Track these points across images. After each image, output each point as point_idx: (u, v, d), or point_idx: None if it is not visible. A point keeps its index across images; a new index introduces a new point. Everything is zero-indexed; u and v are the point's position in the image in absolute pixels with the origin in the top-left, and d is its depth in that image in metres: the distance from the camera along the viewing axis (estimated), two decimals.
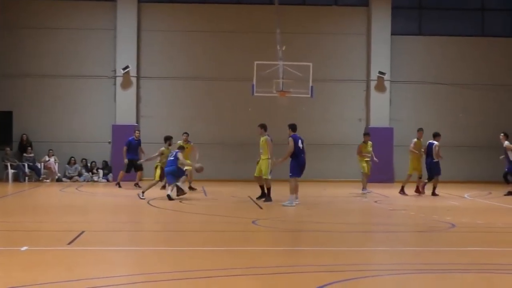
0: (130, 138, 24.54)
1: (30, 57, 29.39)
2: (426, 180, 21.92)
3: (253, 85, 24.30)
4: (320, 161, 28.42)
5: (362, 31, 30.51)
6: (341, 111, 30.02)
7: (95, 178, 28.44)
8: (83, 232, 12.02)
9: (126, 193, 21.57)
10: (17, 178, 27.56)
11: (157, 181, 20.47)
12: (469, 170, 29.90)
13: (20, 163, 27.78)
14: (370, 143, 22.80)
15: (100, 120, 29.46)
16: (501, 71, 30.88)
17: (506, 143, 21.58)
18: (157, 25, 29.97)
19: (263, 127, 19.21)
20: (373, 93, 30.16)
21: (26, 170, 27.78)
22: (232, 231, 12.97)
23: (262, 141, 18.97)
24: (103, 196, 22.35)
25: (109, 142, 29.18)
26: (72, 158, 28.64)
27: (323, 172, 29.09)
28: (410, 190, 21.97)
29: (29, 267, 8.77)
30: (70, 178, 28.27)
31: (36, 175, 28.03)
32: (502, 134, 22.10)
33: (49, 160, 28.33)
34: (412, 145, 22.41)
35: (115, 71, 29.36)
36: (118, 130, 28.76)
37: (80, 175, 28.50)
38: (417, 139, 22.38)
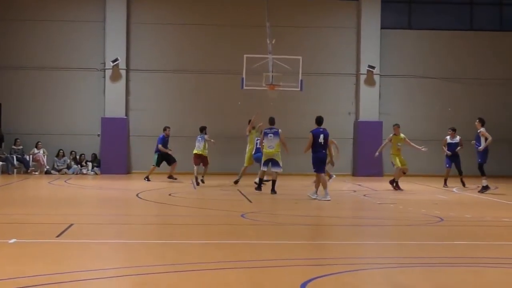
0: (161, 136, 24.94)
1: (18, 50, 29.27)
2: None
3: (242, 79, 24.28)
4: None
5: (352, 25, 30.55)
6: (330, 104, 29.98)
7: (84, 171, 28.38)
8: (72, 225, 12.01)
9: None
10: (5, 170, 27.47)
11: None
12: None
13: (9, 155, 27.69)
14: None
15: (89, 112, 29.38)
16: (489, 65, 31.01)
17: (482, 129, 20.56)
18: (147, 18, 29.89)
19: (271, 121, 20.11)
20: (363, 87, 30.23)
21: (15, 162, 27.69)
22: (221, 224, 12.98)
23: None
24: (92, 189, 22.30)
25: (98, 135, 29.11)
26: (61, 151, 28.54)
27: None
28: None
29: (17, 260, 8.76)
30: (59, 170, 28.19)
31: (24, 168, 27.96)
32: (477, 120, 21.04)
33: (37, 152, 28.24)
34: (387, 140, 22.37)
35: (104, 63, 29.28)
36: (107, 123, 28.73)
37: (69, 167, 28.43)
38: (394, 134, 22.22)
